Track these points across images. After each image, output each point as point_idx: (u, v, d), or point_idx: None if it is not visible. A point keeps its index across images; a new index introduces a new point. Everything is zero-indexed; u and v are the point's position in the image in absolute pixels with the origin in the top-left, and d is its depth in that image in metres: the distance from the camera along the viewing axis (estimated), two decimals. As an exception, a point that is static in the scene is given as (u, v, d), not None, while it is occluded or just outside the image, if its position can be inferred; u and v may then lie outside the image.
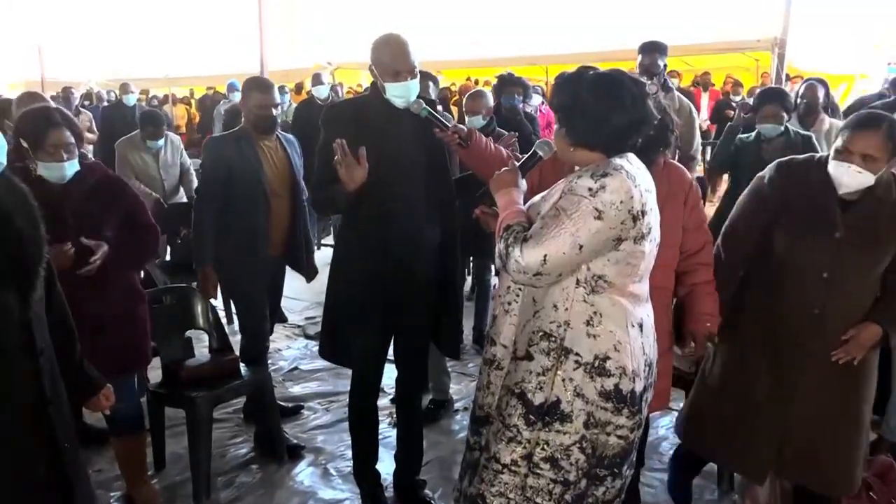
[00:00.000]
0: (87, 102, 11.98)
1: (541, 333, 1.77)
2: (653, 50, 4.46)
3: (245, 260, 3.19)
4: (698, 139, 4.66)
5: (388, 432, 3.44)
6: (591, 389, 1.74)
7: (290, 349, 4.74)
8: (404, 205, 2.50)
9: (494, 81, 6.27)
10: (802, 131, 3.91)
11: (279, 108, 3.21)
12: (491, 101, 4.22)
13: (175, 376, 3.04)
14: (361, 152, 2.35)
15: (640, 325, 1.81)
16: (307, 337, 4.91)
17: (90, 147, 8.19)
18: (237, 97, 8.25)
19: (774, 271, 2.38)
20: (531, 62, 10.66)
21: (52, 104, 2.90)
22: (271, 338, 3.75)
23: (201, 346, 3.51)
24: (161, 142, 5.06)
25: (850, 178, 2.19)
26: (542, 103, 8.24)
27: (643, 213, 1.73)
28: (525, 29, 10.26)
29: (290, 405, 3.82)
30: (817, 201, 2.28)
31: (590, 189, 1.69)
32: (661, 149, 2.29)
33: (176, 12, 14.59)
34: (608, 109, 1.73)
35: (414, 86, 2.47)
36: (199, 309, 3.29)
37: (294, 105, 8.52)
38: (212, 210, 3.18)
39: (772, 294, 2.39)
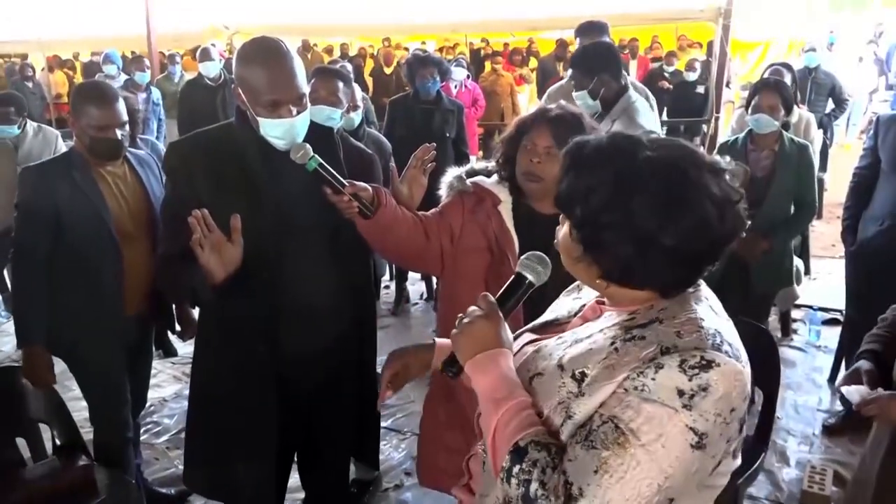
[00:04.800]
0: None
1: None
2: (592, 31, 3.62)
3: (90, 328, 2.33)
4: None
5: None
6: None
7: (178, 399, 3.86)
8: (296, 291, 1.73)
9: (408, 56, 5.48)
10: (798, 139, 3.25)
11: (125, 126, 2.29)
12: (357, 90, 3.37)
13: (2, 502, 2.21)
14: (235, 223, 1.54)
15: None
16: (200, 379, 4.03)
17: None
18: (112, 71, 7.07)
19: None
20: (453, 29, 9.79)
21: None
22: (152, 381, 2.94)
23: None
24: (15, 130, 4.04)
25: None
26: (468, 77, 7.49)
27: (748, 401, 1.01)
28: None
29: (174, 492, 2.98)
30: None
31: (681, 393, 0.93)
32: None
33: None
34: (680, 228, 0.97)
35: (301, 124, 1.68)
36: (32, 394, 2.43)
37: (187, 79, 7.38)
38: (36, 268, 2.27)
39: None
